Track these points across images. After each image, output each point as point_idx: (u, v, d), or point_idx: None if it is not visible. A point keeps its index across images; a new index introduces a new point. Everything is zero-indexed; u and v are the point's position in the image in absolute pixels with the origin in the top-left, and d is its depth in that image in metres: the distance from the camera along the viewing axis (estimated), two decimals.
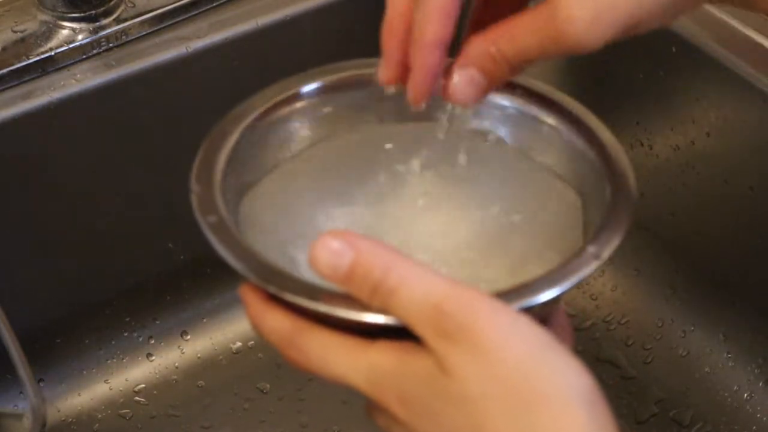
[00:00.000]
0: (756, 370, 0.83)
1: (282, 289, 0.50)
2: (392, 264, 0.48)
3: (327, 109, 0.60)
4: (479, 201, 0.58)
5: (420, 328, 0.47)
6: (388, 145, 0.60)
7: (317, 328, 0.50)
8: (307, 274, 0.51)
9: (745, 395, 0.83)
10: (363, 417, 0.86)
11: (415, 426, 0.48)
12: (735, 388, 0.84)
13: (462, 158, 0.59)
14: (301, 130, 0.60)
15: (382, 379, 0.48)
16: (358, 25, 0.86)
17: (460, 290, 0.47)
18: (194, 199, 0.54)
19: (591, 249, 0.51)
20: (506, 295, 0.49)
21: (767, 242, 0.81)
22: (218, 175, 0.55)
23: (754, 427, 0.82)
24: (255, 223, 0.56)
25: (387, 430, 0.50)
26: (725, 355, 0.85)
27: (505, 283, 0.51)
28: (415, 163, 0.59)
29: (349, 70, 0.60)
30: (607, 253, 0.51)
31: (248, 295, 0.52)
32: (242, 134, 0.58)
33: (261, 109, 0.59)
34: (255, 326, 0.52)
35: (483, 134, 0.60)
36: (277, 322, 0.51)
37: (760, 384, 0.83)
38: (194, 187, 0.55)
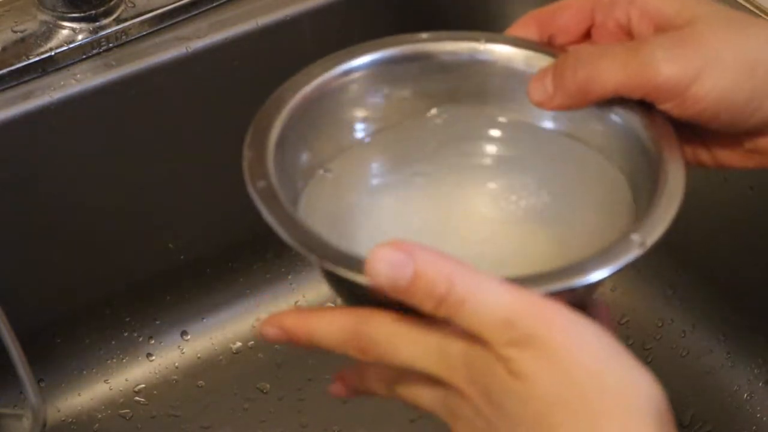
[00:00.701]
0: (756, 370, 0.83)
1: (324, 258, 0.49)
2: (456, 275, 0.47)
3: (389, 83, 0.59)
4: (530, 187, 0.58)
5: (490, 337, 0.47)
6: (443, 126, 0.60)
7: (379, 313, 0.49)
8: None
9: (745, 395, 0.83)
10: (363, 417, 0.86)
11: (484, 410, 0.48)
12: (735, 388, 0.84)
13: (513, 145, 0.59)
14: (361, 105, 0.59)
15: (454, 360, 0.48)
16: (358, 25, 0.86)
17: (528, 300, 0.47)
18: (245, 165, 0.54)
19: (635, 237, 0.51)
20: (543, 277, 0.49)
21: (766, 242, 0.81)
22: (271, 144, 0.55)
23: (754, 427, 0.82)
24: (310, 204, 0.56)
25: (445, 410, 0.50)
26: (725, 355, 0.85)
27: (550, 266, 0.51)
28: (466, 149, 0.59)
29: (410, 42, 0.60)
30: (651, 240, 0.51)
31: (287, 318, 0.51)
32: (297, 105, 0.57)
33: (318, 80, 0.58)
34: (310, 340, 0.51)
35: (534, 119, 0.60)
36: (335, 320, 0.50)
37: (760, 384, 0.83)
38: (246, 152, 0.54)
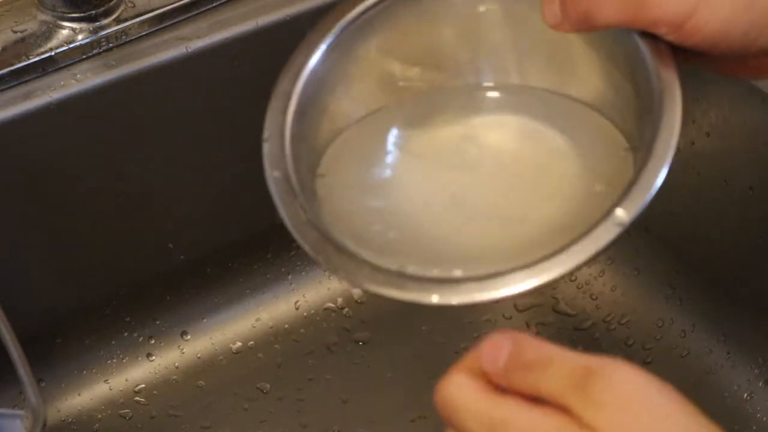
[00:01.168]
0: (756, 370, 0.83)
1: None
2: (543, 344, 0.49)
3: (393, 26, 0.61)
4: (530, 135, 0.60)
5: (568, 394, 0.48)
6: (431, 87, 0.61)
7: (452, 382, 0.51)
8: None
9: (745, 395, 0.83)
10: (363, 417, 0.86)
11: None
12: (735, 388, 0.84)
13: (505, 103, 0.61)
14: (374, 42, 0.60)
15: None
16: None
17: (604, 359, 0.48)
18: (265, 149, 0.55)
19: (612, 217, 0.52)
20: (535, 265, 0.50)
21: (767, 242, 0.81)
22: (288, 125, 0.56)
23: (754, 427, 0.82)
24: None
25: None
26: (725, 355, 0.85)
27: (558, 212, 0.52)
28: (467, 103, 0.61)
29: None
30: (630, 217, 0.52)
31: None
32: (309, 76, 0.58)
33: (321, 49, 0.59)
34: None
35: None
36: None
37: (760, 384, 0.83)
38: (266, 135, 0.55)
